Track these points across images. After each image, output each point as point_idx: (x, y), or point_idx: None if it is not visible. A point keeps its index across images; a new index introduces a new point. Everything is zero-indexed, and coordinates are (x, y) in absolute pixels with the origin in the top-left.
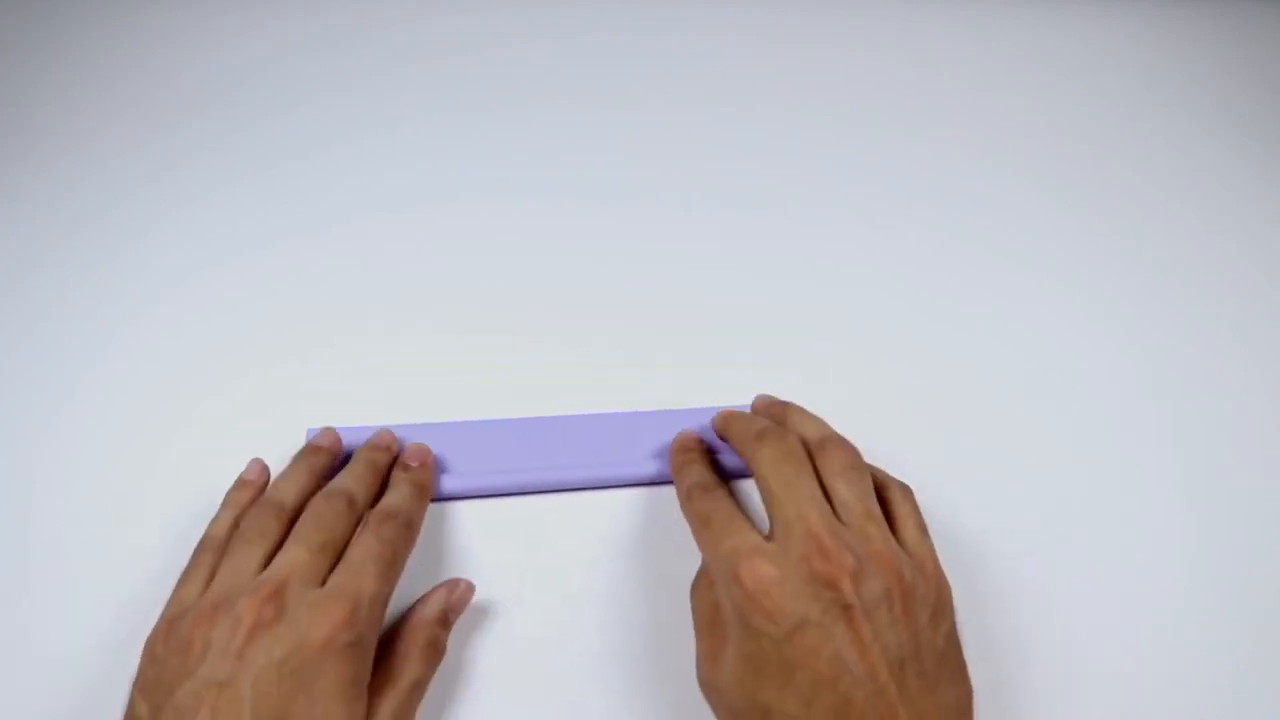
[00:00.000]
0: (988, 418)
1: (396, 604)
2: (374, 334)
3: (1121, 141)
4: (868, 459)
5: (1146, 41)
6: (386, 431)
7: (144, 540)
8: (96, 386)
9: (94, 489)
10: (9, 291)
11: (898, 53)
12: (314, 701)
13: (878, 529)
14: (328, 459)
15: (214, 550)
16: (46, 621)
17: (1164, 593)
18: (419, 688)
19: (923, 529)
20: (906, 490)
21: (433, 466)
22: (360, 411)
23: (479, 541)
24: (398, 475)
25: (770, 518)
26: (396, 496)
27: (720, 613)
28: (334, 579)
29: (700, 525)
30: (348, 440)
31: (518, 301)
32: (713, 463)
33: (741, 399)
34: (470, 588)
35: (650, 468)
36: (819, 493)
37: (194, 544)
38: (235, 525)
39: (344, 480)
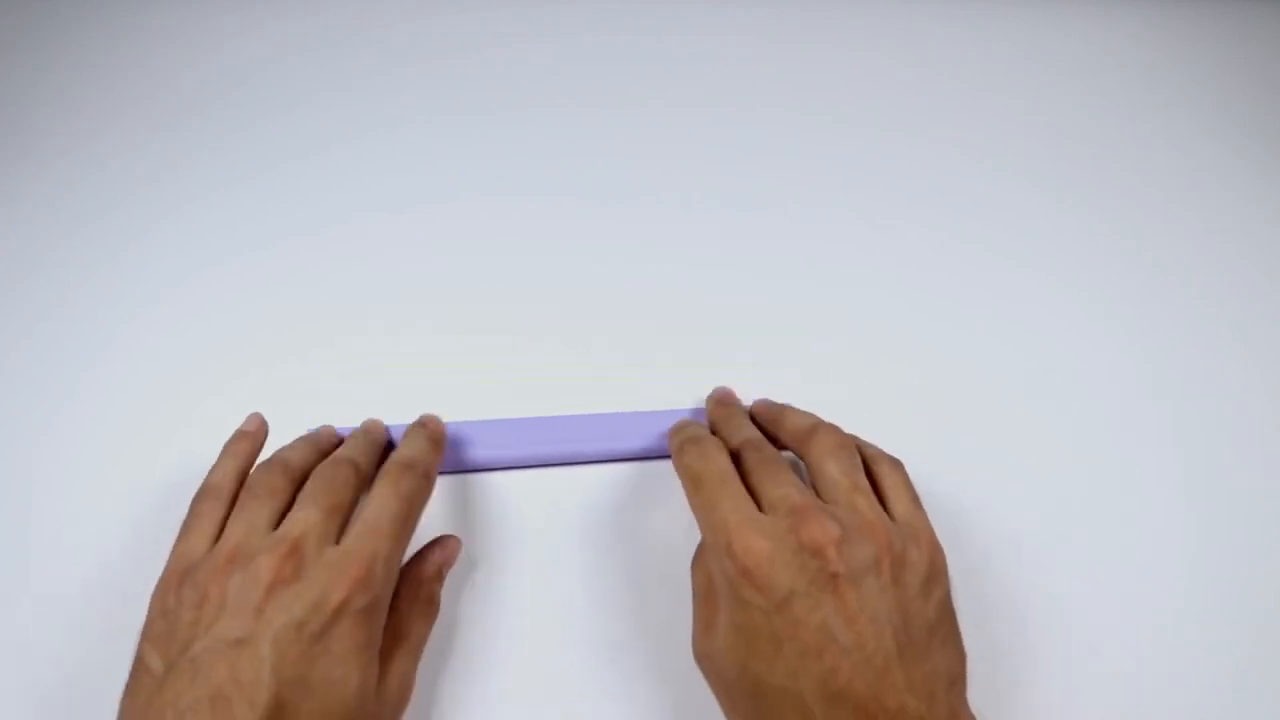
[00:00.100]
0: (988, 418)
1: None
2: (374, 334)
3: (1121, 141)
4: None
5: (1146, 41)
6: (378, 420)
7: (144, 540)
8: (96, 386)
9: (94, 489)
10: (9, 291)
11: (898, 53)
12: (333, 664)
13: (866, 501)
14: (330, 439)
15: (215, 499)
16: (47, 621)
17: (1164, 593)
18: (422, 644)
19: (915, 500)
20: (896, 463)
21: (443, 426)
22: (360, 411)
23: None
24: (413, 430)
25: (757, 496)
26: (413, 447)
27: (713, 584)
28: (350, 538)
29: (692, 486)
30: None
31: (518, 301)
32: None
33: (742, 399)
34: (459, 543)
35: (651, 442)
36: (797, 480)
37: None
38: (237, 477)
39: (348, 449)
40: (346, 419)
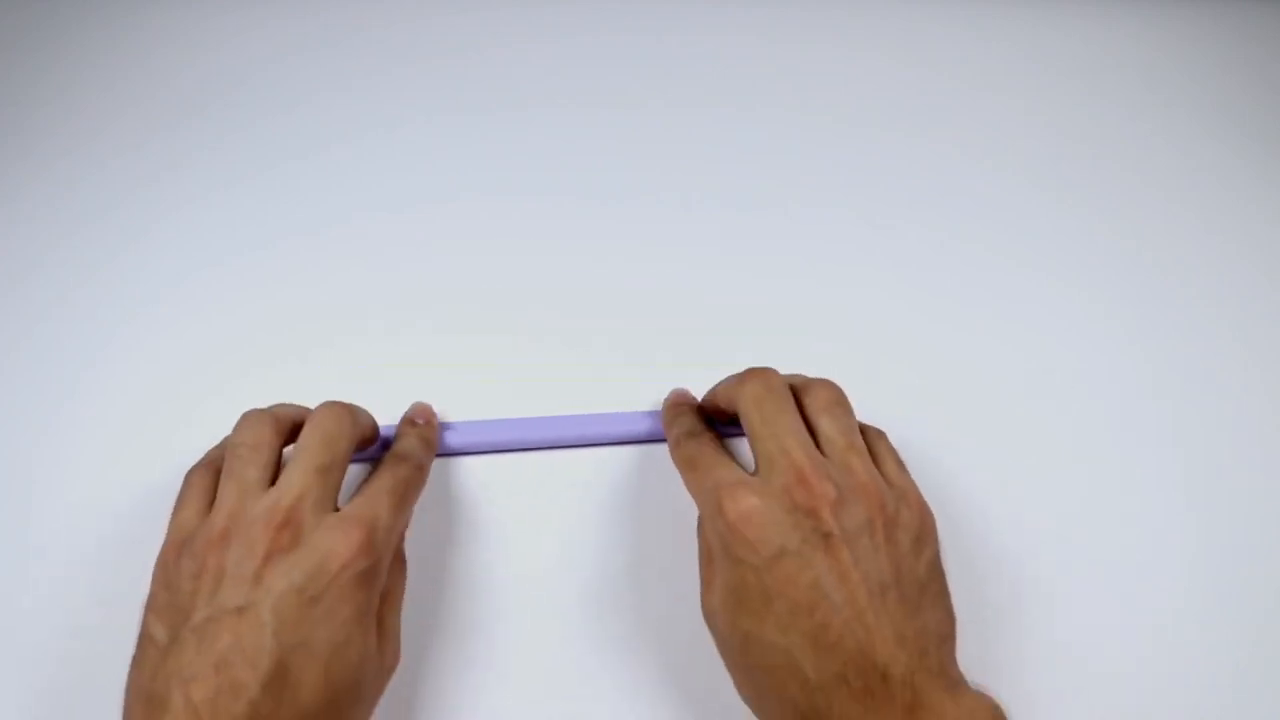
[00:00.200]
0: (988, 418)
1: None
2: (374, 334)
3: (1121, 141)
4: None
5: (1146, 41)
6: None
7: (144, 540)
8: (96, 386)
9: (94, 489)
10: (9, 291)
11: (898, 53)
12: (335, 628)
13: (860, 460)
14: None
15: (208, 469)
16: (47, 621)
17: (1164, 593)
18: (402, 598)
19: (902, 465)
20: (881, 433)
21: (437, 424)
22: None
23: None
24: (405, 428)
25: (754, 453)
26: (406, 444)
27: (709, 544)
28: (349, 506)
29: (687, 468)
30: None
31: (518, 301)
32: (704, 418)
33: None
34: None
35: (645, 424)
36: (802, 427)
37: None
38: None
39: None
40: None
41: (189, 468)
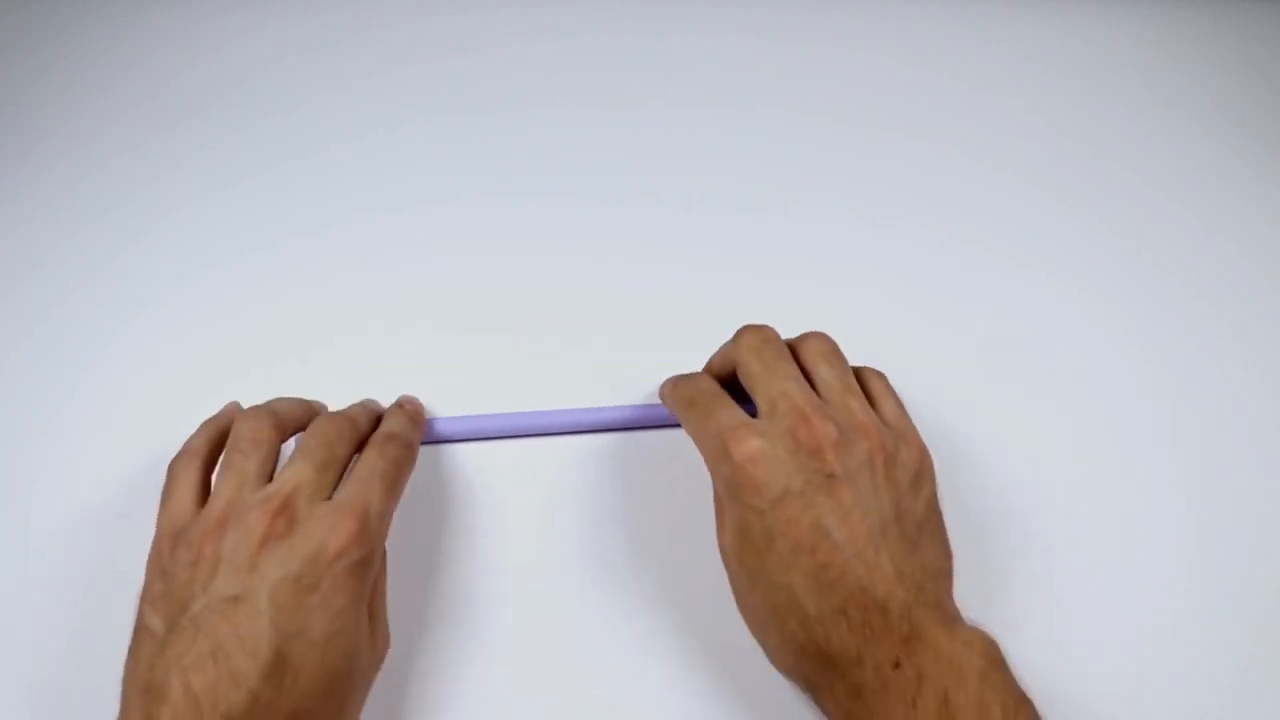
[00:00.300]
0: (987, 418)
1: (398, 591)
2: (374, 334)
3: (1121, 141)
4: None
5: (1146, 41)
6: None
7: (145, 539)
8: (96, 386)
9: (94, 489)
10: (9, 291)
11: (898, 53)
12: (331, 616)
13: (858, 402)
14: (318, 404)
15: (191, 458)
16: (47, 621)
17: (1164, 593)
18: (386, 583)
19: (900, 405)
20: (880, 373)
21: (422, 407)
22: None
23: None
24: (392, 409)
25: (755, 400)
26: (394, 423)
27: (716, 488)
28: (342, 492)
29: (685, 407)
30: None
31: (518, 301)
32: None
33: None
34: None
35: (637, 412)
36: (799, 373)
37: None
38: (213, 442)
39: (346, 409)
40: None
41: (170, 459)
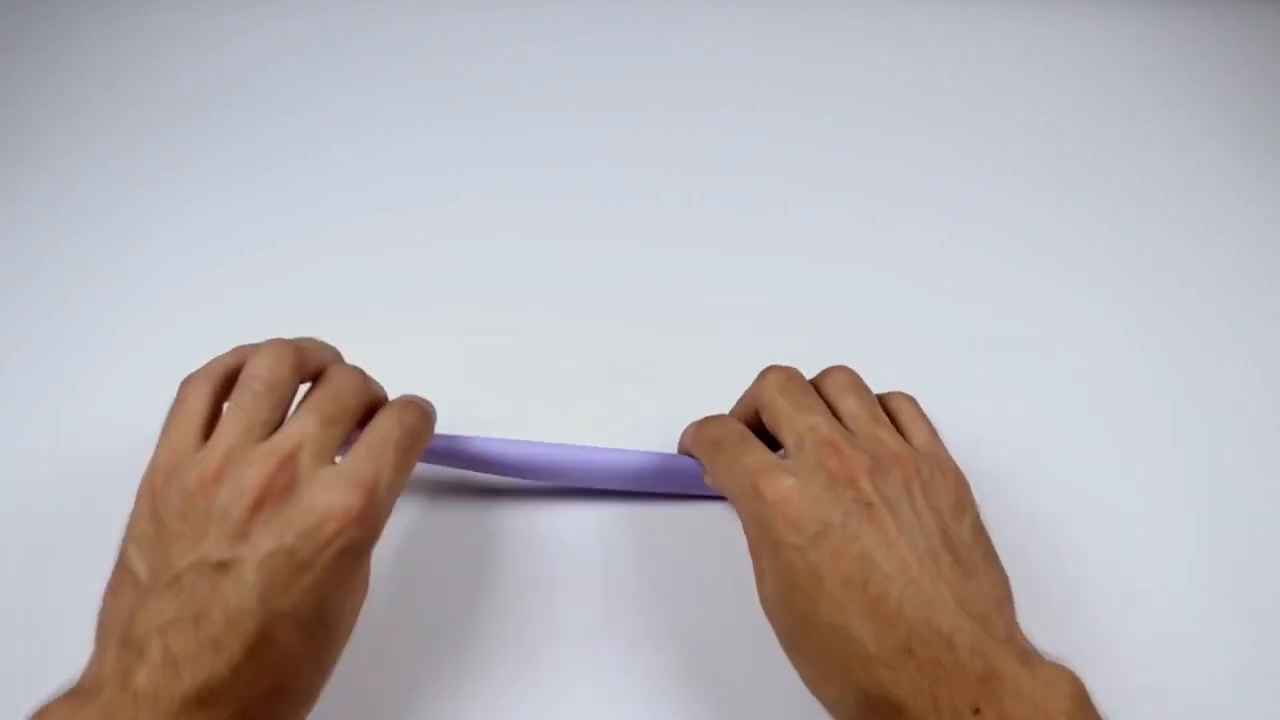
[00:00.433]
0: (987, 418)
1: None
2: (374, 334)
3: (1121, 141)
4: None
5: (1146, 41)
6: None
7: None
8: (96, 386)
9: (94, 489)
10: (9, 291)
11: (898, 53)
12: (323, 599)
13: (887, 432)
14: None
15: (205, 382)
16: (48, 619)
17: (1164, 593)
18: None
19: (933, 430)
20: (910, 397)
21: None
22: None
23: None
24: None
25: (782, 439)
26: (410, 396)
27: (749, 534)
28: (351, 459)
29: (713, 450)
30: None
31: (518, 301)
32: None
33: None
34: None
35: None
36: (825, 407)
37: None
38: (237, 367)
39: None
40: None
41: (186, 375)
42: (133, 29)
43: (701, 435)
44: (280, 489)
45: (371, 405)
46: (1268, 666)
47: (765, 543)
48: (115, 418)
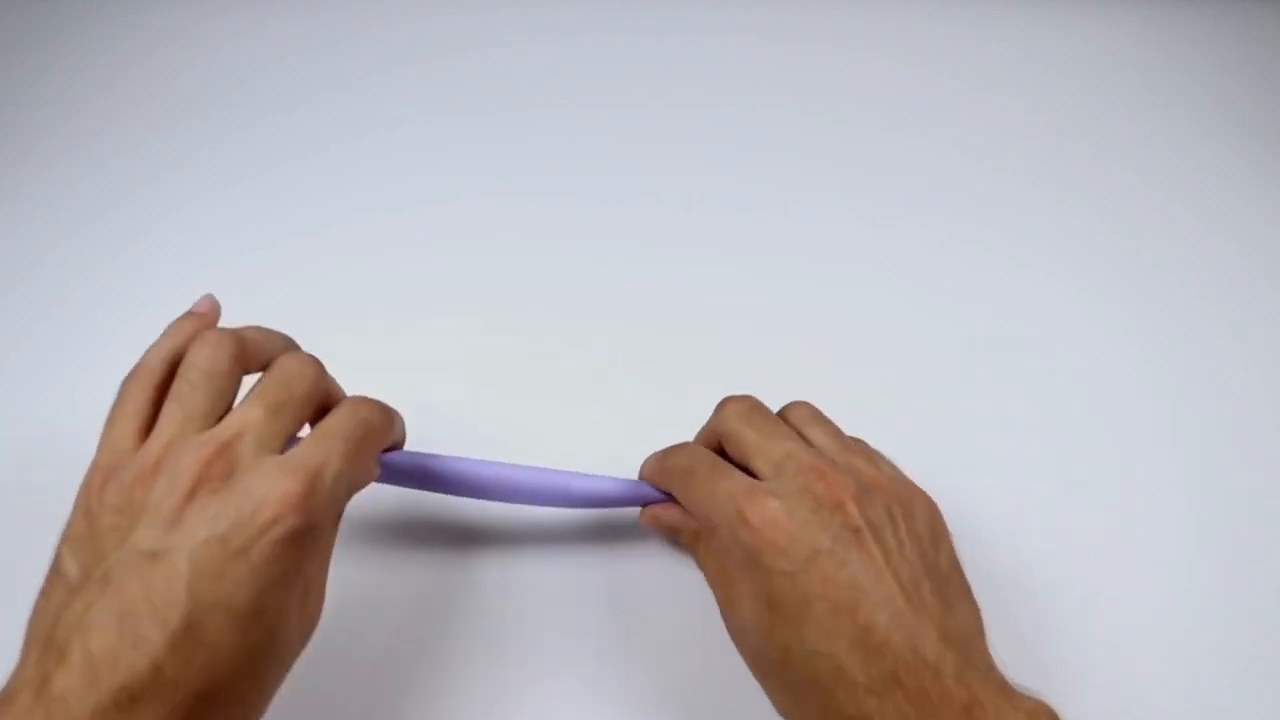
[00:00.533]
0: (988, 418)
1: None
2: (374, 334)
3: (1121, 141)
4: None
5: (1146, 41)
6: None
7: None
8: (96, 386)
9: None
10: (9, 291)
11: (898, 53)
12: (258, 590)
13: (861, 459)
14: (291, 341)
15: (144, 380)
16: None
17: (1164, 592)
18: (332, 552)
19: (895, 465)
20: (861, 440)
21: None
22: None
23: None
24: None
25: (755, 468)
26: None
27: (728, 559)
28: (296, 448)
29: (684, 477)
30: None
31: (518, 301)
32: None
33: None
34: None
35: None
36: (796, 434)
37: None
38: (175, 358)
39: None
40: None
41: (125, 375)
42: (133, 29)
43: (670, 464)
44: (217, 476)
45: (327, 397)
46: (1268, 666)
47: (748, 568)
48: None
